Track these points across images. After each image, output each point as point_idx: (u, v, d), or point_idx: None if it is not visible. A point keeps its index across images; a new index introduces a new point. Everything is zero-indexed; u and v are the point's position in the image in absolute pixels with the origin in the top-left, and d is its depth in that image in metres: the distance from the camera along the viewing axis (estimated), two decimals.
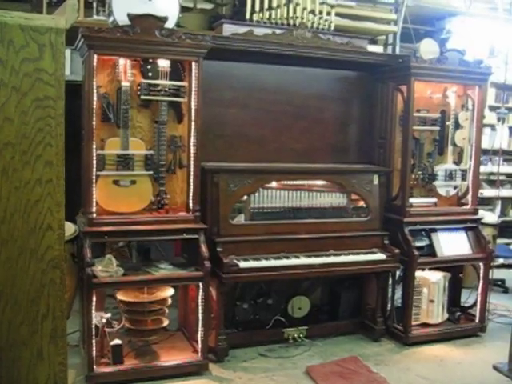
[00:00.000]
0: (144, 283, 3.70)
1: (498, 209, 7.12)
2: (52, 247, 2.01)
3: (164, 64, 3.76)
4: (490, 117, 6.78)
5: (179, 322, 4.38)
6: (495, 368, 3.14)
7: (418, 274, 4.48)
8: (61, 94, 2.02)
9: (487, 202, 6.93)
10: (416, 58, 4.33)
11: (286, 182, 4.28)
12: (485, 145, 6.37)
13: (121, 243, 4.09)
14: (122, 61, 3.66)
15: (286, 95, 4.58)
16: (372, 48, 5.64)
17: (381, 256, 4.29)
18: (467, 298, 4.97)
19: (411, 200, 4.52)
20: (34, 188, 2.02)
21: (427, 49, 4.45)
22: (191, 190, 3.83)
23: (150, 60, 3.75)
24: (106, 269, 3.59)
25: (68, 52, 5.12)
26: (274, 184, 4.23)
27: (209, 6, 5.79)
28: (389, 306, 4.58)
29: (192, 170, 3.82)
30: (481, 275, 4.68)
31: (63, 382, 2.04)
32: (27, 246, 2.02)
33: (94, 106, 3.57)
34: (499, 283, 6.12)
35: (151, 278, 3.68)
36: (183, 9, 4.13)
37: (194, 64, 3.75)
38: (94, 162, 3.59)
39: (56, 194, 2.02)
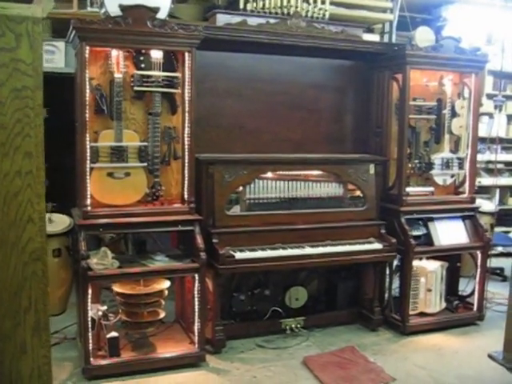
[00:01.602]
0: (139, 275, 3.69)
1: (497, 197, 7.09)
2: (33, 239, 1.98)
3: (157, 55, 3.73)
4: (488, 105, 6.74)
5: (176, 314, 4.38)
6: (490, 357, 3.13)
7: (416, 263, 4.46)
8: (39, 84, 1.99)
9: (485, 191, 6.91)
10: (411, 46, 4.29)
11: (281, 173, 4.26)
12: (482, 133, 6.35)
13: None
14: (114, 52, 3.63)
15: (282, 85, 4.56)
16: (368, 37, 5.61)
17: (377, 246, 4.28)
18: (465, 286, 4.96)
19: (408, 189, 4.50)
20: (14, 180, 1.99)
21: (423, 37, 4.42)
22: (186, 182, 3.82)
23: (143, 51, 3.73)
24: (101, 261, 3.58)
25: (62, 44, 5.12)
26: (269, 174, 4.21)
27: None
28: (386, 295, 4.58)
29: (187, 161, 3.81)
30: (478, 264, 4.67)
31: (47, 375, 2.02)
32: (8, 239, 2.00)
33: (87, 98, 3.54)
34: (498, 272, 6.11)
35: (147, 270, 3.67)
36: None
37: (187, 54, 3.72)
38: (88, 154, 3.58)
39: (36, 186, 1.99)
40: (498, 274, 6.11)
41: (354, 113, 4.85)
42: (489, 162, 6.98)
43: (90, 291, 3.51)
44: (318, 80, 4.69)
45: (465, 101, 4.68)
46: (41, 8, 1.84)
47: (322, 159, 4.44)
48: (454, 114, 4.63)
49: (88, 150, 3.57)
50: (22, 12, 1.85)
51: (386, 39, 6.25)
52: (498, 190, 7.08)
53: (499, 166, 7.06)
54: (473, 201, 4.72)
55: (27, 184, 1.98)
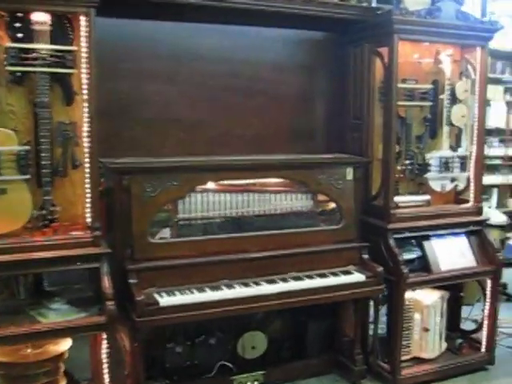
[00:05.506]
0: (16, 339, 2.54)
1: (495, 199, 6.22)
2: None
3: (41, 19, 2.61)
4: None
5: (92, 371, 3.28)
6: None
7: (409, 295, 3.50)
8: None
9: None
10: (400, 10, 3.30)
11: (228, 182, 3.25)
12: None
13: None
14: None
15: (230, 65, 3.61)
16: None
17: (359, 277, 3.27)
18: (468, 315, 4.04)
19: (397, 199, 3.56)
20: None
21: None
22: (88, 200, 2.73)
23: (20, 14, 2.62)
24: None
25: None
26: (211, 185, 3.18)
27: None
28: (371, 335, 3.57)
29: (88, 170, 2.72)
30: (488, 292, 3.72)
31: None
32: None
33: None
34: (500, 289, 5.10)
35: (29, 331, 2.53)
36: None
37: (82, 19, 2.62)
38: None
39: None
40: (502, 292, 5.09)
41: (325, 100, 3.93)
42: (486, 157, 6.10)
43: None
44: (279, 58, 3.74)
45: (468, 83, 3.70)
46: None
47: (283, 162, 3.42)
48: (454, 100, 3.69)
49: None
50: None
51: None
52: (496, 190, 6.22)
53: (497, 161, 6.31)
54: (479, 211, 3.76)
55: None
